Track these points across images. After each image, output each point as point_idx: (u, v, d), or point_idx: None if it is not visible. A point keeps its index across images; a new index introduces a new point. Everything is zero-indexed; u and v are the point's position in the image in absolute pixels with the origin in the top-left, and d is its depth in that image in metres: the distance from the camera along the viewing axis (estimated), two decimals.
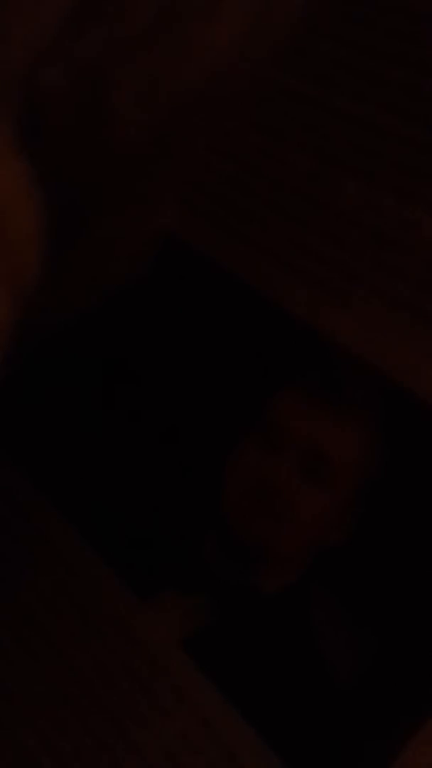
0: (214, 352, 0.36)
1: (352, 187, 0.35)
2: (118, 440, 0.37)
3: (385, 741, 0.29)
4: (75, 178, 0.31)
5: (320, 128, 0.36)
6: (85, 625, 0.34)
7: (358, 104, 0.35)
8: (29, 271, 0.28)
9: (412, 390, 0.31)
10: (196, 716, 0.31)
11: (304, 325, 0.34)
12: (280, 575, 0.33)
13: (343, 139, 0.35)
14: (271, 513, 0.33)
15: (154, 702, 0.32)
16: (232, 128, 0.38)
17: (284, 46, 0.36)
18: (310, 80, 0.37)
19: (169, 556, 0.34)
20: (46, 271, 0.28)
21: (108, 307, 0.37)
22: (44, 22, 0.28)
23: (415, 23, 0.35)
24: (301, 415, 0.34)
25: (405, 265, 0.33)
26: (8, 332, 0.28)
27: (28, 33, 0.29)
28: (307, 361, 0.34)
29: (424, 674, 0.29)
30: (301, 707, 0.31)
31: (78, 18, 0.29)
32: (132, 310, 0.38)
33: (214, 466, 0.35)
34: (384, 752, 0.29)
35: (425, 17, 0.35)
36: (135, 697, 0.32)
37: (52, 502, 0.37)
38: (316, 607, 0.32)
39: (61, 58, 0.29)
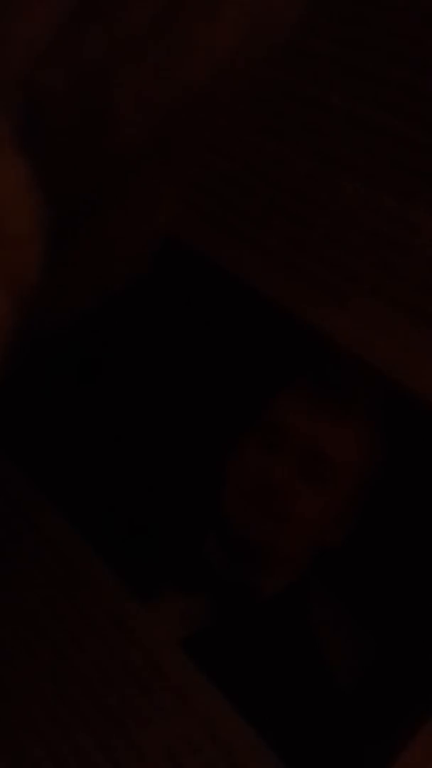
0: (214, 352, 0.36)
1: (352, 188, 0.35)
2: (117, 440, 0.37)
3: (386, 741, 0.29)
4: (75, 178, 0.31)
5: (320, 128, 0.36)
6: (85, 625, 0.34)
7: (358, 104, 0.35)
8: (29, 271, 0.28)
9: (412, 390, 0.31)
10: (196, 716, 0.31)
11: (304, 325, 0.34)
12: (280, 575, 0.33)
13: (342, 139, 0.35)
14: (271, 513, 0.33)
15: (154, 702, 0.32)
16: (232, 128, 0.38)
17: (284, 46, 0.36)
18: (310, 80, 0.37)
19: (169, 556, 0.34)
20: (46, 271, 0.28)
21: (108, 307, 0.37)
22: (44, 22, 0.28)
23: (415, 23, 0.35)
24: (301, 415, 0.34)
25: (405, 265, 0.33)
26: (8, 332, 0.28)
27: (28, 33, 0.29)
28: (307, 361, 0.34)
29: (424, 675, 0.29)
30: (301, 707, 0.31)
31: (78, 18, 0.29)
32: (132, 310, 0.38)
33: (214, 466, 0.35)
34: (384, 753, 0.29)
35: (425, 17, 0.35)
36: (135, 697, 0.32)
37: (52, 501, 0.37)
38: (316, 607, 0.32)
39: (62, 58, 0.29)
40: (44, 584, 0.36)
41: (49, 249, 0.28)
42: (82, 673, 0.33)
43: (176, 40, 0.30)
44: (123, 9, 0.29)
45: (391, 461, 0.32)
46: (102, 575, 0.35)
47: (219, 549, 0.34)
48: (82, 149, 0.31)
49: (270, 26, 0.34)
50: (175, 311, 0.37)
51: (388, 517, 0.32)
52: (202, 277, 0.37)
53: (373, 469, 0.33)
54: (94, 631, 0.34)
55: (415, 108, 0.34)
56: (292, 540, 0.33)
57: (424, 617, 0.30)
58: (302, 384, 0.34)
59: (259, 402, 0.35)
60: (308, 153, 0.36)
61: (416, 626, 0.30)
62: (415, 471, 0.32)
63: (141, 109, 0.30)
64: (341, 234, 0.34)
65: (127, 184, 0.33)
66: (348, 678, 0.30)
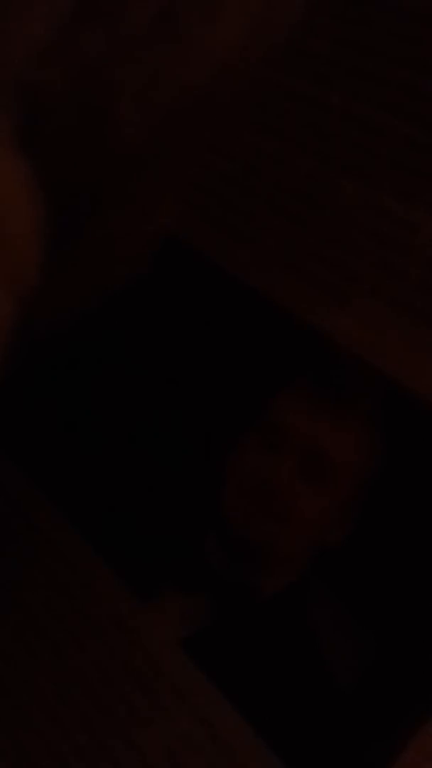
0: (214, 352, 0.36)
1: (352, 188, 0.35)
2: (118, 440, 0.37)
3: (386, 741, 0.29)
4: (75, 178, 0.31)
5: (320, 128, 0.36)
6: (85, 625, 0.34)
7: (357, 104, 0.35)
8: (29, 270, 0.28)
9: (412, 390, 0.31)
10: (196, 716, 0.31)
11: (304, 325, 0.34)
12: (280, 575, 0.33)
13: (342, 139, 0.35)
14: (271, 513, 0.33)
15: (154, 702, 0.32)
16: (232, 128, 0.38)
17: (284, 46, 0.36)
18: (310, 80, 0.37)
19: (169, 556, 0.34)
20: (46, 271, 0.28)
21: (108, 307, 0.37)
22: (44, 21, 0.28)
23: (415, 23, 0.35)
24: (301, 415, 0.34)
25: (405, 265, 0.33)
26: (8, 332, 0.28)
27: (28, 33, 0.28)
28: (307, 361, 0.34)
29: (424, 674, 0.29)
30: (301, 707, 0.31)
31: (78, 18, 0.29)
32: (132, 310, 0.38)
33: (214, 466, 0.35)
34: (384, 753, 0.29)
35: (425, 17, 0.35)
36: (135, 697, 0.32)
37: (52, 501, 0.37)
38: (316, 608, 0.32)
39: (62, 58, 0.29)
40: (44, 584, 0.36)
41: (49, 249, 0.28)
42: (82, 673, 0.33)
43: (176, 40, 0.30)
44: (123, 9, 0.29)
45: (391, 461, 0.32)
46: (102, 575, 0.35)
47: (219, 549, 0.34)
48: (82, 149, 0.30)
49: (270, 26, 0.34)
50: (175, 311, 0.37)
51: (388, 517, 0.32)
52: (202, 277, 0.37)
53: (373, 469, 0.33)
54: (94, 631, 0.34)
55: (415, 108, 0.34)
56: (292, 540, 0.33)
57: (424, 617, 0.30)
58: (302, 384, 0.34)
59: (259, 402, 0.35)
60: (308, 153, 0.36)
61: (416, 626, 0.30)
62: (415, 471, 0.32)
63: (141, 109, 0.30)
64: (341, 234, 0.34)
65: (127, 183, 0.33)
66: (348, 678, 0.30)
